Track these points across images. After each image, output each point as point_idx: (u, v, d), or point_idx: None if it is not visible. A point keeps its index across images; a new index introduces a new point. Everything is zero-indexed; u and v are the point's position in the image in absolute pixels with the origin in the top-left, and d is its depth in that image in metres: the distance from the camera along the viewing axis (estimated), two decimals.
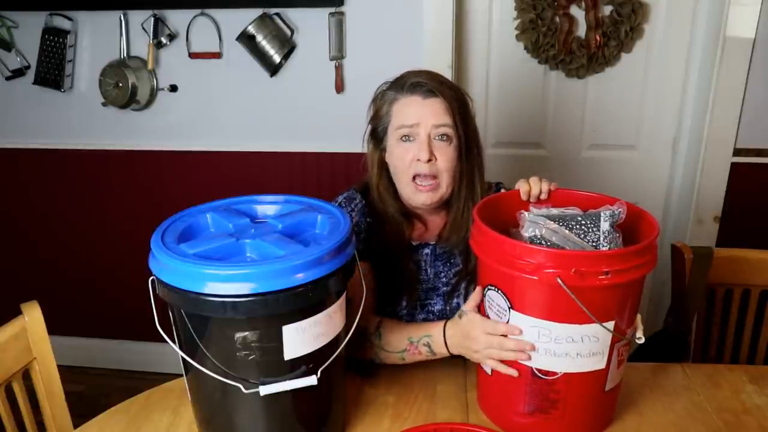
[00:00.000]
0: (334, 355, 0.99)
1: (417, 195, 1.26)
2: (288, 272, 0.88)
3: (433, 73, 1.28)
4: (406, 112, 1.24)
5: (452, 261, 1.32)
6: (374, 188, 1.32)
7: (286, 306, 0.89)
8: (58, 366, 1.21)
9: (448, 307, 1.31)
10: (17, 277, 2.56)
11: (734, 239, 2.14)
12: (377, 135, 1.31)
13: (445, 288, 1.32)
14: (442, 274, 1.32)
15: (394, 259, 1.29)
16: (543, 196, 1.19)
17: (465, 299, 1.28)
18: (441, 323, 1.15)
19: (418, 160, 1.23)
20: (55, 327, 1.26)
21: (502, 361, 1.05)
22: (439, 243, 1.33)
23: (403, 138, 1.24)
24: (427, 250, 1.32)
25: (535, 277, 0.94)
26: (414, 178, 1.25)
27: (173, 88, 2.21)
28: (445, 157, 1.24)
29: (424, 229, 1.35)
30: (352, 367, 1.16)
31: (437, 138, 1.23)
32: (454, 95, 1.25)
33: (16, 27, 2.21)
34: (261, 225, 1.03)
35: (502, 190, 1.37)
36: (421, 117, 1.22)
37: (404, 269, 1.30)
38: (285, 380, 0.93)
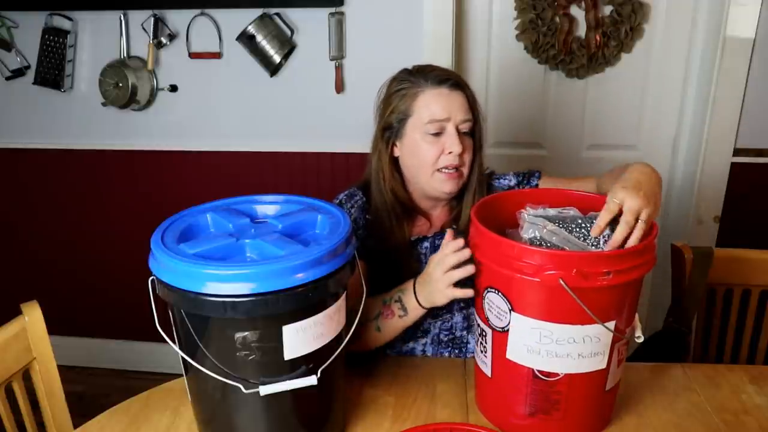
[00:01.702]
0: (334, 355, 0.99)
1: (445, 184, 1.26)
2: (288, 272, 0.88)
3: (442, 67, 1.30)
4: (434, 106, 1.23)
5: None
6: (385, 184, 1.30)
7: (286, 306, 0.89)
8: (58, 366, 1.21)
9: None
10: (17, 277, 2.56)
11: (734, 239, 2.15)
12: (390, 130, 1.29)
13: None
14: None
15: (394, 255, 1.30)
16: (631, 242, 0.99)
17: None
18: (407, 286, 1.18)
19: (450, 153, 1.23)
20: (55, 327, 1.25)
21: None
22: (440, 235, 1.33)
23: (433, 132, 1.24)
24: (426, 244, 1.33)
25: (537, 279, 0.94)
26: (440, 169, 1.25)
27: (173, 88, 2.21)
28: (469, 150, 1.27)
29: (428, 225, 1.35)
30: (350, 361, 1.16)
31: (462, 132, 1.25)
32: (468, 89, 1.28)
33: (16, 27, 2.21)
34: (261, 225, 1.03)
35: (494, 177, 1.39)
36: (450, 111, 1.23)
37: (406, 266, 1.30)
38: (285, 380, 0.93)
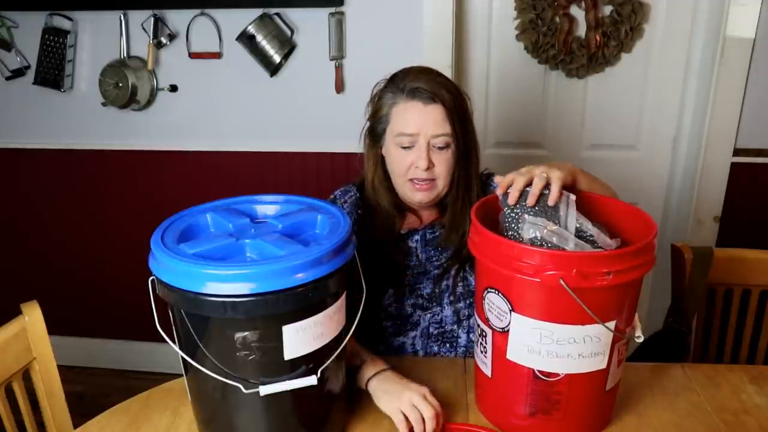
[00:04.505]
0: (334, 355, 0.99)
1: (414, 194, 1.28)
2: (288, 272, 0.88)
3: (431, 73, 1.27)
4: (405, 120, 1.24)
5: (444, 245, 1.34)
6: (369, 180, 1.34)
7: (286, 306, 0.89)
8: (58, 366, 1.21)
9: (437, 289, 1.32)
10: (17, 277, 2.56)
11: (734, 239, 2.15)
12: (375, 132, 1.31)
13: (435, 271, 1.33)
14: (434, 258, 1.33)
15: (382, 250, 1.31)
16: (530, 201, 1.05)
17: (454, 282, 1.31)
18: (381, 365, 1.14)
19: (417, 167, 1.24)
20: (55, 327, 1.25)
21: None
22: (430, 230, 1.35)
23: (402, 146, 1.25)
24: (416, 237, 1.34)
25: (537, 279, 0.94)
26: (411, 179, 1.27)
27: (173, 88, 2.21)
28: (443, 163, 1.26)
29: (418, 222, 1.37)
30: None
31: (435, 147, 1.24)
32: (453, 100, 1.24)
33: (16, 27, 2.21)
34: (261, 225, 1.03)
35: (494, 179, 1.39)
36: (420, 126, 1.23)
37: (392, 260, 1.32)
38: (285, 380, 0.93)
